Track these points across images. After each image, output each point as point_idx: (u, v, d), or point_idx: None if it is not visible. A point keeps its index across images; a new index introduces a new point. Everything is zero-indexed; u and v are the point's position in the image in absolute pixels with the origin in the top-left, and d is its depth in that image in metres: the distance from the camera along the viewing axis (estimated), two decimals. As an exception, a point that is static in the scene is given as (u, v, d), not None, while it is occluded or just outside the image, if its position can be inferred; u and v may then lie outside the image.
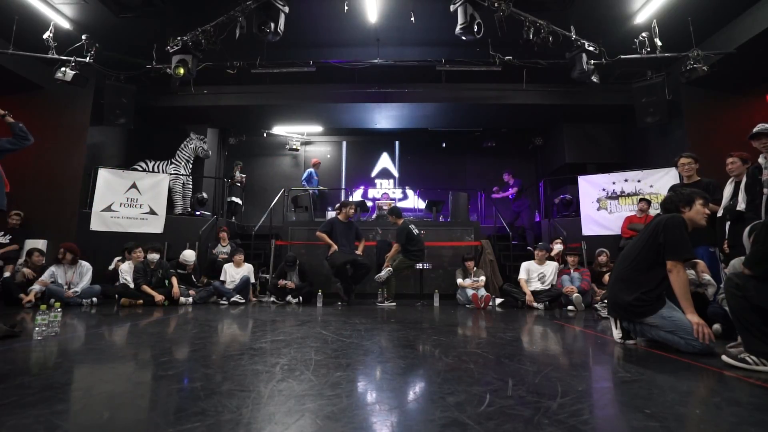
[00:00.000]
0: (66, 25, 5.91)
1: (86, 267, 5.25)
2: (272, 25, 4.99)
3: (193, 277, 5.81)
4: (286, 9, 5.14)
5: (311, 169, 9.01)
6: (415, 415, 1.30)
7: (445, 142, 10.25)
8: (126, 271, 5.30)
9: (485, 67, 6.56)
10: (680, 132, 6.85)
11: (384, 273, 5.31)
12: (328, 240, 5.44)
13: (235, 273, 5.83)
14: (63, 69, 5.90)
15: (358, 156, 10.52)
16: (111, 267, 5.87)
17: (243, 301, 5.55)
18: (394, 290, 5.44)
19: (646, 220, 5.60)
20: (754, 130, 3.24)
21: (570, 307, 4.92)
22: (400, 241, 5.46)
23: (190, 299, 5.35)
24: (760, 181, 3.21)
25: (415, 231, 5.58)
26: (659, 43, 5.72)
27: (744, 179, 3.41)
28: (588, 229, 6.86)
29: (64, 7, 5.70)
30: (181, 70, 5.58)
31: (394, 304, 5.29)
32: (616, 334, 2.62)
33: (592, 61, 5.77)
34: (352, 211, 5.76)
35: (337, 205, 5.89)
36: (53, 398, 1.43)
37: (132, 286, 5.12)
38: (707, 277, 2.78)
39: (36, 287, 4.81)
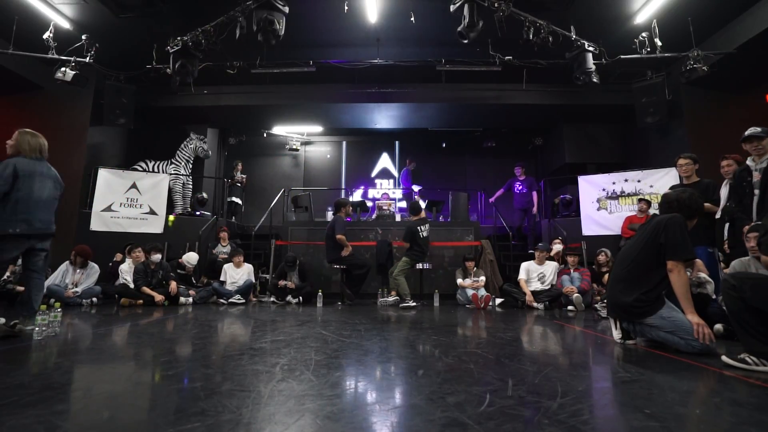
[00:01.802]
0: (66, 25, 5.91)
1: (94, 269, 5.28)
2: (271, 25, 4.98)
3: (192, 278, 5.81)
4: (286, 9, 5.14)
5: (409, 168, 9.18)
6: (415, 415, 1.30)
7: (445, 142, 10.24)
8: (126, 271, 5.31)
9: (485, 67, 6.56)
10: (680, 132, 6.85)
11: (391, 300, 5.30)
12: (346, 242, 5.47)
13: (235, 273, 5.83)
14: (63, 69, 5.90)
15: (358, 156, 10.51)
16: (115, 260, 5.89)
17: (243, 301, 5.55)
18: (408, 289, 5.30)
19: (646, 220, 5.60)
20: (746, 133, 3.33)
21: (570, 307, 4.92)
22: (405, 239, 5.53)
23: (190, 299, 5.35)
24: (750, 182, 3.29)
25: (424, 233, 5.55)
26: (659, 43, 5.72)
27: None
28: (588, 229, 6.86)
29: (64, 7, 5.70)
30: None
31: (413, 303, 5.10)
32: (616, 334, 2.62)
33: (593, 63, 5.75)
34: (351, 209, 5.75)
35: (336, 204, 5.85)
36: (53, 398, 1.43)
37: (132, 286, 5.13)
38: (703, 275, 2.78)
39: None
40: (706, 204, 3.70)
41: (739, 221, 3.33)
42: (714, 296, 2.82)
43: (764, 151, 3.24)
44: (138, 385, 1.70)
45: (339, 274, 6.05)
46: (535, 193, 7.92)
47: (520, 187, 8.05)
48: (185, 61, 5.62)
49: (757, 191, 3.20)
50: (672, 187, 3.77)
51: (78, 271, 5.14)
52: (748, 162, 3.34)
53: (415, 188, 9.19)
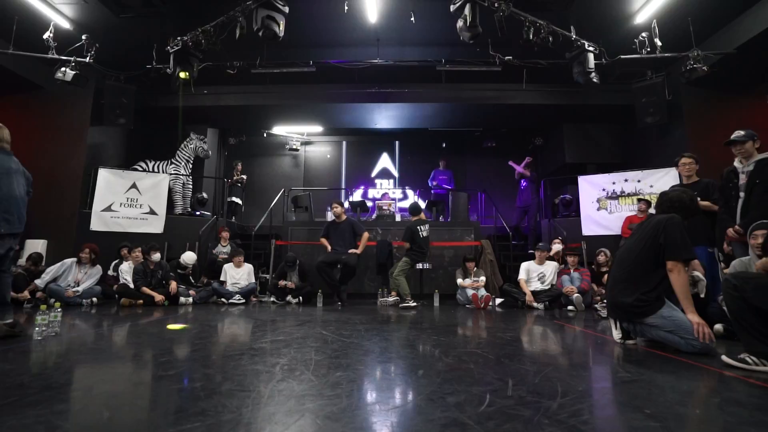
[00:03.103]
0: (66, 25, 5.91)
1: (97, 269, 5.30)
2: (272, 25, 4.98)
3: (191, 278, 5.81)
4: (286, 9, 5.14)
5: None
6: (415, 415, 1.30)
7: (445, 142, 10.24)
8: (126, 271, 5.31)
9: (485, 67, 6.56)
10: (680, 132, 6.85)
11: (391, 300, 5.33)
12: (325, 243, 5.64)
13: (235, 273, 5.83)
14: (63, 69, 5.90)
15: (358, 156, 10.51)
16: (110, 272, 5.89)
17: (243, 301, 5.55)
18: (408, 289, 5.32)
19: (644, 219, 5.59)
20: (731, 137, 3.31)
21: (570, 307, 4.92)
22: (404, 239, 5.60)
23: (190, 299, 5.35)
24: (736, 184, 3.27)
25: (424, 233, 5.59)
26: (659, 43, 5.72)
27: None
28: (588, 229, 6.85)
29: (64, 7, 5.69)
30: (183, 74, 5.63)
31: (413, 303, 5.12)
32: (616, 334, 2.62)
33: (593, 63, 5.75)
34: (336, 210, 5.76)
35: None
36: (53, 398, 1.43)
37: (132, 286, 5.13)
38: (697, 273, 2.78)
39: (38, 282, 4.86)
40: (706, 203, 3.70)
41: (723, 222, 3.31)
42: (702, 295, 2.81)
43: (748, 154, 3.23)
44: (138, 385, 1.70)
45: (338, 275, 6.05)
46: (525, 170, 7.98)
47: (525, 183, 8.04)
48: (185, 61, 5.63)
49: (742, 194, 3.19)
50: (672, 188, 3.77)
51: (82, 269, 5.15)
52: (735, 163, 3.32)
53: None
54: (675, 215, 2.44)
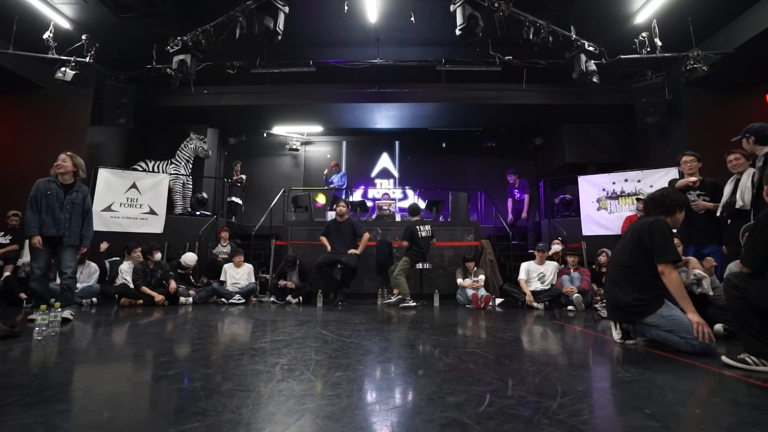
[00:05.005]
0: (66, 25, 5.91)
1: (94, 268, 5.29)
2: (271, 25, 4.98)
3: (191, 278, 5.81)
4: (286, 9, 5.14)
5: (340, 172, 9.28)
6: (415, 415, 1.30)
7: (445, 142, 10.24)
8: (126, 271, 5.31)
9: (485, 67, 6.56)
10: (680, 132, 6.85)
11: (394, 299, 5.33)
12: (324, 242, 5.65)
13: (235, 273, 5.82)
14: (63, 69, 5.90)
15: (358, 156, 10.52)
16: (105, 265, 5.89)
17: (243, 301, 5.55)
18: (408, 289, 5.35)
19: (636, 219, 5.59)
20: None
21: (570, 307, 4.91)
22: (403, 238, 5.64)
23: (190, 299, 5.34)
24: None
25: (422, 232, 5.63)
26: (659, 43, 5.72)
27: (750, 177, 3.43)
28: (588, 229, 6.85)
29: (64, 7, 5.70)
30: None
31: (413, 303, 5.13)
32: (616, 334, 2.62)
33: (593, 62, 5.76)
34: (340, 209, 5.76)
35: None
36: (53, 398, 1.43)
37: (132, 286, 5.13)
38: (698, 271, 2.78)
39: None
40: (708, 204, 3.71)
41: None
42: (711, 293, 2.81)
43: (752, 151, 3.26)
44: (138, 385, 1.70)
45: (339, 275, 6.06)
46: (527, 197, 7.90)
47: (518, 194, 8.05)
48: (185, 60, 5.64)
49: (753, 190, 3.21)
50: (670, 182, 3.78)
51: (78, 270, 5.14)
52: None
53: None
54: (659, 218, 2.46)
